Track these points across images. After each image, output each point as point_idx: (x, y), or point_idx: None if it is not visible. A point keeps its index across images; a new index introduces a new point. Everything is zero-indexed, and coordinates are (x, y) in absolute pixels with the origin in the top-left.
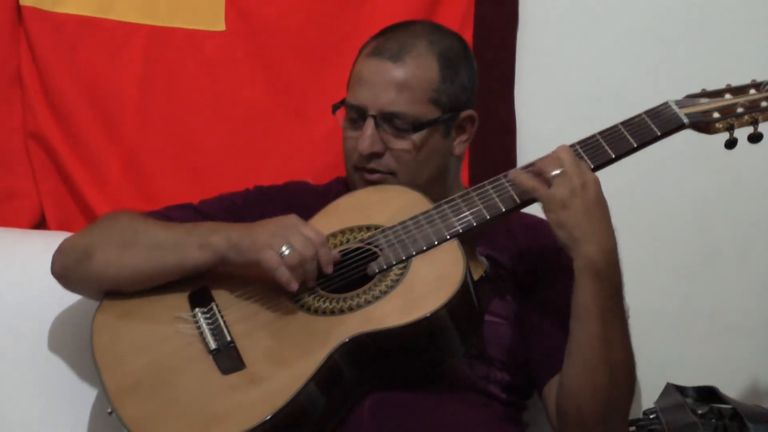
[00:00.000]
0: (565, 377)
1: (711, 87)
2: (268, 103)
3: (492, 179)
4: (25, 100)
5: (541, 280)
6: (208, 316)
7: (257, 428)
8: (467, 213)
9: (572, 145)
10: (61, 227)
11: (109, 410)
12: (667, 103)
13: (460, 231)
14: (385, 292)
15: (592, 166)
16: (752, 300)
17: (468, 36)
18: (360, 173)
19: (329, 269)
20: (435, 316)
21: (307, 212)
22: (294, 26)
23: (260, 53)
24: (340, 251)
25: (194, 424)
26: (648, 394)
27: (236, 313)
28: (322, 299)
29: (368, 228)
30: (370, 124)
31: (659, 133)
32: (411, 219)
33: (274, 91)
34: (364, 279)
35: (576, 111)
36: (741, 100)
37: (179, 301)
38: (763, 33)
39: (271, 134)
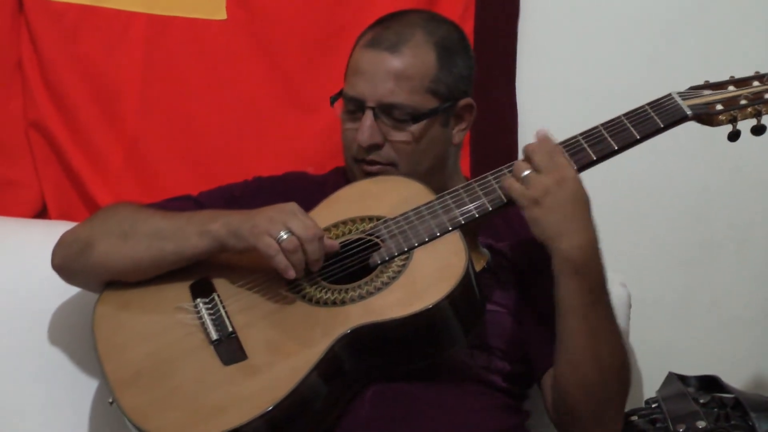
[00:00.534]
0: (555, 372)
1: (714, 79)
2: (269, 92)
3: (494, 171)
4: (26, 89)
5: (540, 270)
6: (209, 306)
7: (258, 419)
8: (469, 204)
9: (574, 137)
10: (62, 216)
11: (111, 400)
12: (670, 94)
13: (462, 222)
14: (387, 284)
15: (595, 158)
16: (753, 289)
17: (469, 27)
18: (360, 165)
19: (317, 266)
20: (437, 307)
21: (306, 203)
22: (295, 15)
23: (261, 42)
24: (342, 242)
25: (195, 414)
26: (650, 384)
27: (238, 303)
28: (323, 290)
29: (370, 219)
30: (368, 115)
31: (662, 125)
32: (413, 210)
33: (275, 80)
34: (366, 270)
35: (577, 102)
36: (744, 91)
37: (180, 291)
38: (764, 22)
39: (272, 123)
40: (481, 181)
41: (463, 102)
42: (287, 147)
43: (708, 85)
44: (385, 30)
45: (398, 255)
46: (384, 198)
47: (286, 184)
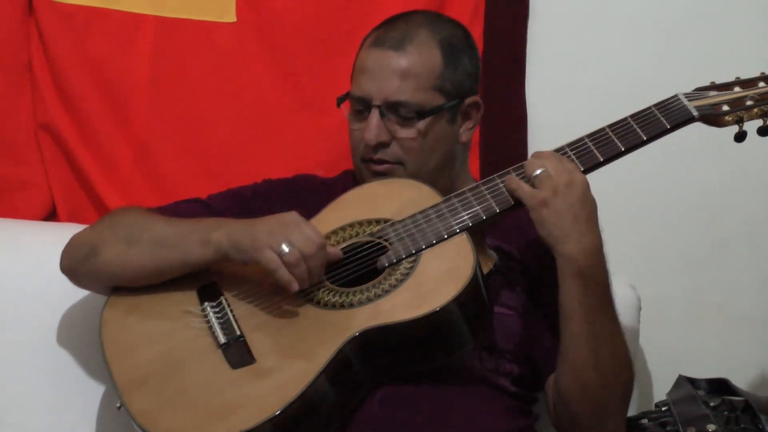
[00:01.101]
0: (557, 375)
1: (720, 80)
2: (278, 94)
3: (501, 173)
4: (36, 91)
5: (548, 273)
6: (217, 310)
7: (266, 423)
8: (477, 206)
9: (581, 138)
10: (71, 218)
11: (119, 404)
12: (676, 95)
13: (470, 225)
14: (394, 286)
15: (602, 159)
16: (763, 290)
17: (479, 29)
18: (367, 165)
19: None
20: (445, 310)
21: (315, 205)
22: (304, 17)
23: (270, 44)
24: (349, 245)
25: (203, 418)
26: (660, 387)
27: (245, 307)
28: (331, 293)
29: (377, 221)
30: (375, 114)
31: (669, 126)
32: (420, 212)
33: (284, 82)
34: (374, 273)
35: (586, 103)
36: (750, 92)
37: (188, 295)
38: None
39: (281, 125)
40: (489, 183)
41: (469, 100)
42: (296, 149)
43: (714, 86)
44: (390, 30)
45: (406, 257)
46: (391, 200)
47: (295, 186)
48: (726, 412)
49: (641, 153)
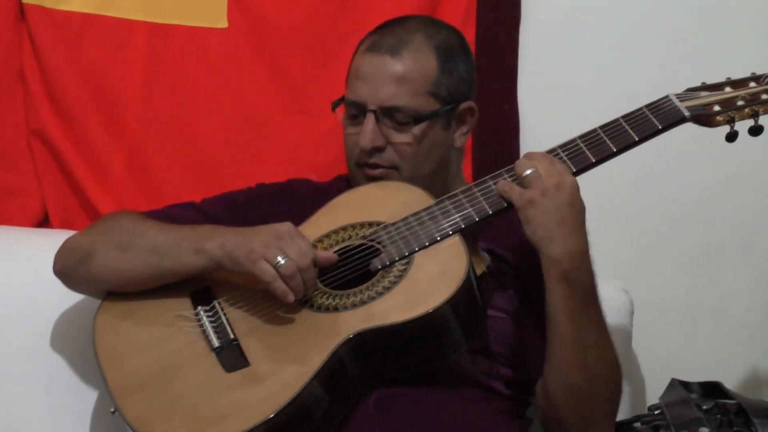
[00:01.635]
0: (545, 379)
1: (711, 80)
2: (271, 100)
3: (493, 174)
4: (28, 97)
5: (539, 275)
6: (210, 314)
7: (261, 426)
8: (469, 208)
9: (573, 140)
10: (64, 225)
11: (112, 409)
12: (667, 96)
13: (462, 226)
14: (388, 288)
15: (594, 161)
16: (756, 294)
17: (470, 33)
18: (362, 169)
19: (329, 260)
20: (438, 311)
21: (308, 210)
22: (297, 23)
23: (263, 50)
24: (342, 248)
25: (198, 422)
26: (653, 390)
27: (239, 311)
28: (325, 296)
29: (370, 224)
30: (370, 118)
31: (660, 127)
32: (413, 215)
33: (277, 88)
34: (367, 275)
35: (578, 106)
36: (741, 92)
37: (182, 299)
38: (763, 26)
39: (274, 131)
40: (481, 186)
41: (464, 105)
42: (290, 154)
43: (705, 87)
44: (386, 35)
45: (399, 260)
46: (384, 203)
47: (288, 191)
48: (719, 415)
49: (635, 156)
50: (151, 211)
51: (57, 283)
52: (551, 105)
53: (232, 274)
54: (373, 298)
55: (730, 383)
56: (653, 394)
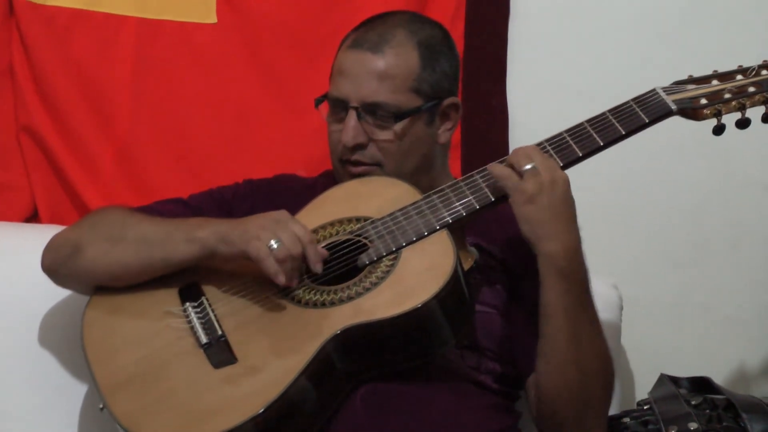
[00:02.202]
0: (538, 374)
1: (698, 73)
2: (260, 95)
3: (480, 169)
4: (17, 93)
5: (529, 271)
6: (198, 310)
7: (249, 422)
8: (456, 203)
9: (560, 134)
10: (53, 220)
11: (101, 406)
12: (654, 90)
13: (450, 221)
14: (375, 284)
15: (581, 154)
16: (745, 290)
17: (460, 28)
18: (345, 166)
19: (318, 267)
20: (426, 306)
21: (296, 205)
22: (286, 19)
23: (252, 46)
24: (330, 243)
25: (186, 418)
26: (642, 385)
27: (227, 306)
28: (312, 291)
29: (357, 219)
30: (352, 115)
31: (647, 120)
32: (400, 210)
33: (266, 84)
34: (354, 271)
35: (567, 101)
36: (728, 85)
37: (169, 295)
38: (749, 19)
39: (263, 127)
40: (468, 180)
41: (447, 101)
42: (278, 150)
43: (692, 80)
44: (368, 31)
45: (386, 255)
46: (371, 198)
47: (276, 186)
48: (708, 411)
49: (624, 152)
50: (138, 207)
51: (45, 278)
52: (540, 100)
53: (220, 269)
54: (360, 294)
55: (718, 378)
56: (642, 390)
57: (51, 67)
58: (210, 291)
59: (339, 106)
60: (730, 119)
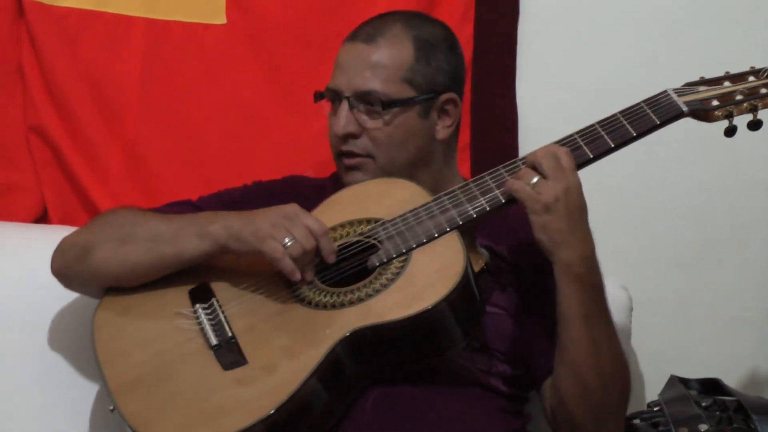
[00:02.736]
0: (556, 380)
1: (710, 75)
2: (269, 96)
3: (491, 171)
4: (27, 93)
5: (540, 273)
6: (208, 311)
7: (259, 424)
8: (467, 204)
9: (571, 135)
10: (62, 221)
11: (111, 407)
12: (665, 91)
13: (460, 223)
14: (385, 286)
15: (591, 156)
16: (754, 290)
17: (469, 29)
18: (341, 159)
19: (331, 258)
20: (436, 308)
21: (305, 206)
22: (295, 20)
23: (260, 47)
24: (340, 245)
25: (196, 419)
26: (652, 387)
27: (237, 308)
28: (322, 293)
29: (368, 221)
30: (344, 105)
31: (658, 122)
32: (410, 211)
33: (275, 85)
34: (364, 272)
35: (577, 103)
36: (740, 87)
37: (180, 296)
38: (761, 20)
39: (272, 128)
40: (478, 182)
41: (444, 96)
42: (287, 151)
43: (703, 81)
44: (365, 25)
45: (396, 257)
46: (381, 200)
47: (285, 188)
48: (718, 412)
49: (633, 153)
50: (148, 209)
51: (55, 279)
52: (550, 101)
53: (230, 269)
54: (370, 296)
55: (728, 380)
56: (652, 391)
57: (60, 67)
58: (220, 291)
59: (335, 99)
60: (741, 121)
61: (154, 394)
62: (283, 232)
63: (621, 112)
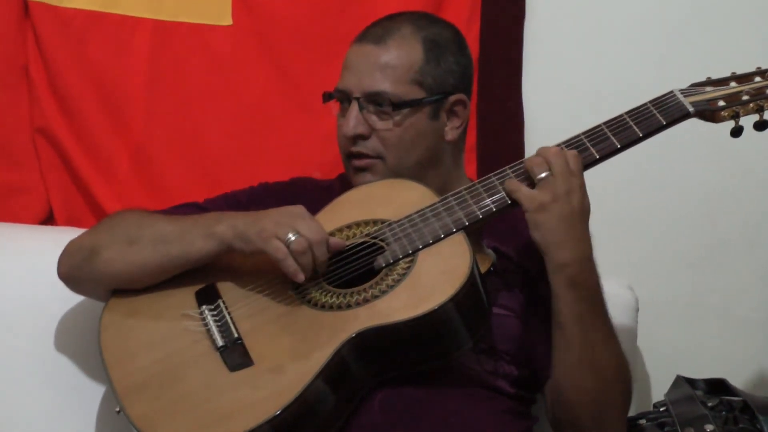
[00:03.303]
0: (554, 381)
1: (716, 75)
2: (275, 97)
3: (497, 171)
4: (33, 95)
5: (545, 274)
6: (215, 313)
7: (265, 425)
8: (473, 205)
9: (577, 136)
10: (68, 222)
11: (117, 409)
12: (672, 92)
13: (467, 224)
14: (391, 286)
15: (598, 157)
16: (761, 291)
17: (475, 29)
18: (350, 161)
19: (339, 245)
20: (442, 309)
21: (312, 208)
22: (301, 21)
23: (267, 48)
24: (346, 246)
25: (202, 421)
26: (658, 387)
27: (243, 309)
28: (328, 294)
29: (374, 222)
30: (354, 106)
31: (664, 123)
32: (417, 212)
33: (281, 85)
34: (371, 273)
35: (583, 103)
36: (746, 87)
37: (186, 298)
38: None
39: (278, 128)
40: (485, 183)
41: (454, 97)
42: (293, 152)
43: (710, 82)
44: (374, 26)
45: (403, 258)
46: (388, 201)
47: (292, 189)
48: (724, 412)
49: (639, 153)
50: (155, 212)
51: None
52: (556, 101)
53: (236, 271)
54: (377, 297)
55: (735, 380)
56: (658, 391)
57: (66, 68)
58: (226, 293)
59: (344, 100)
60: (747, 121)
61: (160, 396)
62: (286, 229)
63: (627, 112)
